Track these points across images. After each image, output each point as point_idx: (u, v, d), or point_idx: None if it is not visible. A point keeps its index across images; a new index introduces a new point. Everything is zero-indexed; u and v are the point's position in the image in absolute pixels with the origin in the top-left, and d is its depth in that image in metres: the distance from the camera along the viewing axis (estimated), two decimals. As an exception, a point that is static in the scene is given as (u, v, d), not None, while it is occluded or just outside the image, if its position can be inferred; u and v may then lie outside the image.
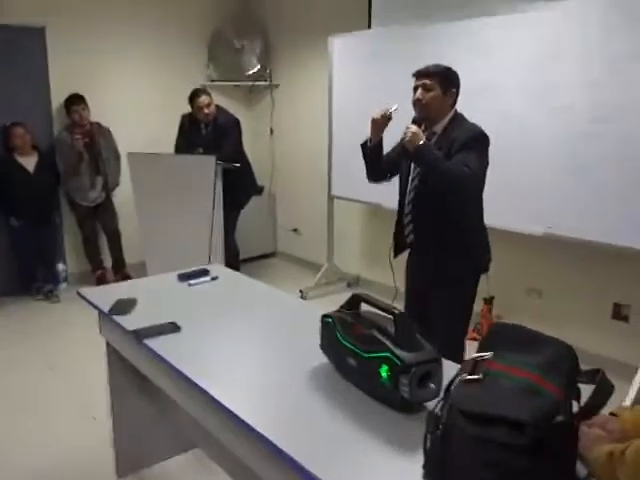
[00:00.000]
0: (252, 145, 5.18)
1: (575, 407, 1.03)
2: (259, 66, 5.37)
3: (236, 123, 4.34)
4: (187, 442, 2.45)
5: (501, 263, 3.72)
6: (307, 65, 5.06)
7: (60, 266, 4.79)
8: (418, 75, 2.41)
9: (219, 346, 1.78)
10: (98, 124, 4.64)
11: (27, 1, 4.39)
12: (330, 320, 1.58)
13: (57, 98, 4.63)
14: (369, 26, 4.29)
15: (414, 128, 2.28)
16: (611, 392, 0.99)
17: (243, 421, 1.34)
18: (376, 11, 4.24)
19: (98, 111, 4.67)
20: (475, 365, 1.09)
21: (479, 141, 2.32)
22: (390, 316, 1.44)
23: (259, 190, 4.78)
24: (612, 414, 1.27)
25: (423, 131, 2.34)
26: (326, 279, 4.80)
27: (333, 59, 4.43)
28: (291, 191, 5.51)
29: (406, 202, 2.53)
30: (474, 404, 1.01)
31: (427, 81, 2.36)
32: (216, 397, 1.45)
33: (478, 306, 3.82)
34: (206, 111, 4.22)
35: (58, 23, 4.53)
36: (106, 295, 2.16)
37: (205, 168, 3.91)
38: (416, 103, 2.39)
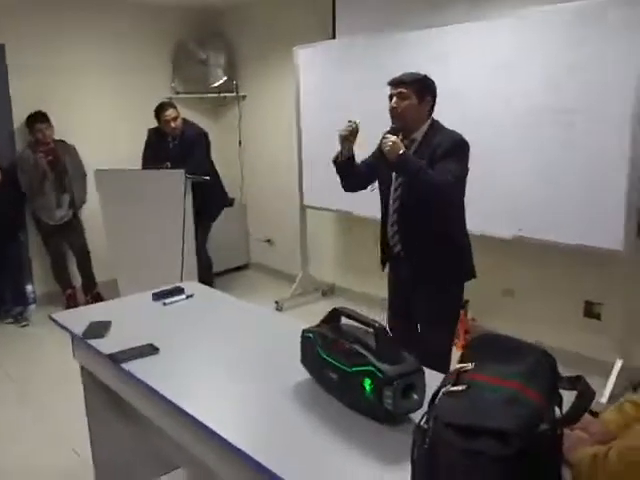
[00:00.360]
0: (221, 157, 5.14)
1: (558, 413, 1.05)
2: (225, 78, 5.34)
3: (203, 135, 4.31)
4: (169, 464, 2.40)
5: (476, 266, 3.79)
6: (274, 76, 5.06)
7: (29, 287, 4.67)
8: (393, 84, 2.39)
9: (198, 366, 1.76)
10: (62, 142, 4.55)
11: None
12: (311, 335, 1.58)
13: (19, 116, 4.52)
14: (334, 36, 4.32)
15: (393, 138, 2.26)
16: (592, 398, 1.01)
17: (225, 440, 1.33)
18: (340, 21, 4.27)
19: (62, 128, 4.57)
20: (458, 376, 1.10)
21: (461, 148, 2.33)
22: (370, 329, 1.45)
23: (230, 202, 4.75)
24: (592, 413, 1.30)
25: (402, 140, 2.33)
26: (301, 289, 4.79)
27: (299, 69, 4.44)
28: (262, 202, 5.50)
29: (390, 212, 2.50)
30: (459, 416, 1.02)
31: (402, 90, 2.35)
32: (199, 418, 1.43)
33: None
34: (173, 125, 4.19)
35: (18, 41, 4.43)
36: (79, 318, 2.12)
37: (174, 182, 3.87)
38: (392, 112, 2.39)
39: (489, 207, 3.37)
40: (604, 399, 2.93)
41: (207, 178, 4.03)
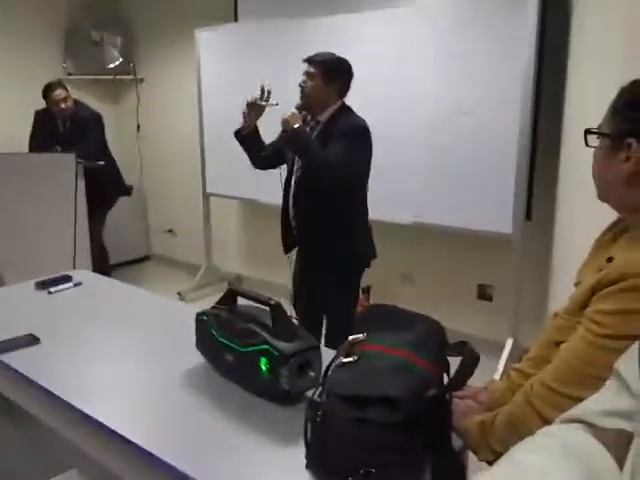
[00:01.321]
0: (118, 143, 4.89)
1: (446, 380, 1.07)
2: (121, 59, 5.08)
3: (97, 118, 4.07)
4: (61, 464, 2.24)
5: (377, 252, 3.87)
6: (174, 59, 4.88)
7: None
8: (306, 61, 2.41)
9: (85, 356, 1.64)
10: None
11: None
12: (205, 317, 1.52)
13: None
14: (236, 19, 4.23)
15: (293, 110, 2.29)
16: (477, 361, 1.04)
17: (115, 432, 1.25)
18: (242, 4, 4.19)
19: None
20: (350, 348, 1.10)
21: (356, 134, 2.34)
22: (267, 308, 1.41)
23: (127, 190, 4.54)
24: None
25: (308, 119, 2.35)
26: (206, 280, 4.67)
27: (200, 53, 4.31)
28: (163, 190, 5.30)
29: (290, 196, 2.49)
30: (349, 387, 1.01)
31: (310, 69, 2.36)
32: (85, 411, 1.33)
33: (356, 296, 3.94)
34: (62, 106, 3.92)
35: None
36: (-50, 310, 1.92)
37: (64, 167, 3.63)
38: (300, 89, 2.39)
39: (387, 193, 3.44)
40: (497, 376, 3.08)
41: (101, 163, 3.83)
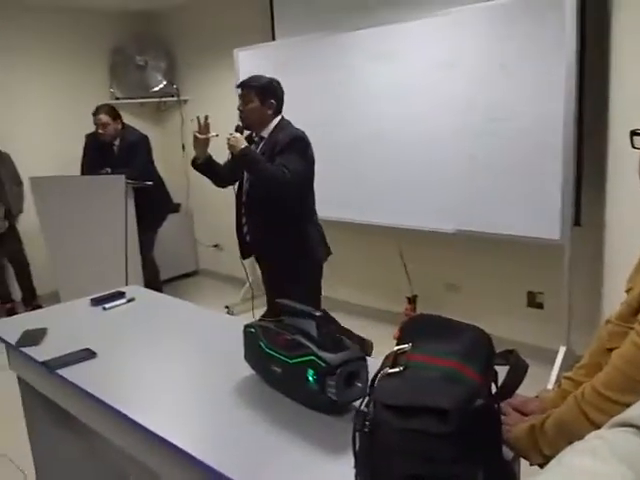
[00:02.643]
0: (164, 163, 5.04)
1: (494, 389, 1.06)
2: (165, 82, 5.25)
3: (143, 140, 4.21)
4: (119, 473, 2.32)
5: (419, 262, 3.85)
6: (215, 79, 5.00)
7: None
8: (239, 86, 2.64)
9: (140, 369, 1.70)
10: (-4, 150, 4.37)
11: None
12: (253, 329, 1.55)
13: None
14: (273, 38, 4.31)
15: (236, 134, 2.51)
16: (525, 370, 1.03)
17: (170, 443, 1.29)
18: (279, 23, 4.27)
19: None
20: (396, 358, 1.10)
21: (296, 143, 2.54)
22: (312, 320, 1.43)
23: (175, 208, 4.67)
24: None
25: (252, 136, 2.61)
26: (253, 293, 4.73)
27: (239, 72, 4.41)
28: (209, 207, 5.41)
29: (242, 205, 2.72)
30: (397, 397, 1.01)
31: (245, 92, 2.59)
32: (140, 422, 1.38)
33: (401, 306, 3.91)
34: (100, 131, 4.05)
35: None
36: (13, 326, 2.02)
37: (115, 188, 3.77)
38: (239, 112, 2.63)
39: (429, 202, 3.44)
40: (550, 385, 3.01)
41: (149, 183, 3.95)
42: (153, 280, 4.20)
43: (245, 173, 2.67)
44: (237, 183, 2.79)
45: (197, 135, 2.66)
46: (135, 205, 3.92)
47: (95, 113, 4.08)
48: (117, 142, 4.16)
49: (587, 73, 2.89)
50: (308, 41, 3.94)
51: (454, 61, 3.22)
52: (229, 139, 2.50)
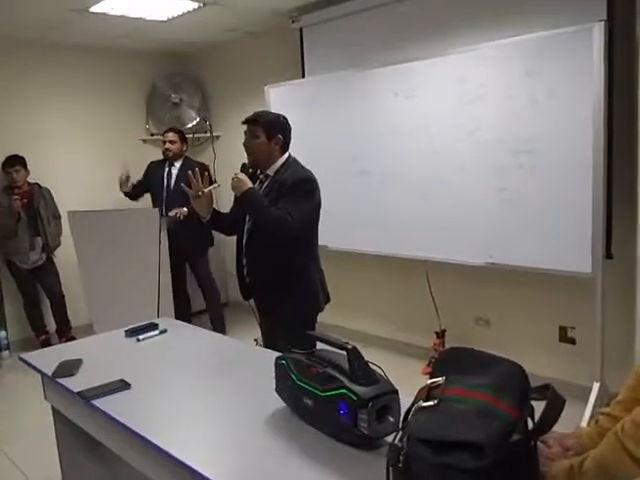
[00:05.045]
0: (196, 196, 5.15)
1: (530, 424, 1.05)
2: (198, 119, 5.41)
3: (205, 168, 4.31)
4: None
5: (448, 295, 3.82)
6: (245, 115, 5.11)
7: (2, 333, 4.56)
8: (246, 122, 2.51)
9: (173, 401, 1.72)
10: (37, 184, 4.53)
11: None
12: (284, 362, 1.56)
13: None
14: (303, 75, 4.42)
15: (240, 175, 2.38)
16: (562, 405, 1.02)
17: (203, 476, 1.30)
18: (309, 61, 4.38)
19: (38, 171, 4.56)
20: (429, 392, 1.10)
21: (303, 185, 2.39)
22: (343, 352, 1.44)
23: (212, 241, 4.76)
24: None
25: (257, 174, 2.48)
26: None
27: (270, 108, 4.51)
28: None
29: (242, 245, 2.58)
30: (432, 431, 1.01)
31: (252, 127, 2.47)
32: (174, 454, 1.39)
33: (429, 340, 3.87)
34: (166, 146, 4.33)
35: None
36: (49, 358, 2.07)
37: (149, 221, 3.87)
38: (244, 148, 2.51)
39: (458, 235, 3.44)
40: (584, 423, 2.92)
41: (185, 212, 4.02)
42: (184, 312, 4.35)
43: (247, 216, 2.54)
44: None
45: (197, 194, 2.44)
46: (180, 238, 4.09)
47: (165, 132, 4.42)
48: (177, 164, 4.37)
49: (615, 107, 2.89)
50: (336, 78, 4.03)
51: (481, 96, 3.25)
52: (233, 179, 2.37)
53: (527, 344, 3.52)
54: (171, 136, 4.37)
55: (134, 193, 4.31)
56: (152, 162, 4.53)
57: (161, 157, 4.45)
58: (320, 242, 2.69)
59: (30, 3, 3.67)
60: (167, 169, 4.39)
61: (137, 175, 4.39)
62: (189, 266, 4.52)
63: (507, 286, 3.57)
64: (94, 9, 3.83)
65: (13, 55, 4.60)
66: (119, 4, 3.77)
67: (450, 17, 3.47)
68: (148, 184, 4.44)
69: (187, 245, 4.24)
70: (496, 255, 3.29)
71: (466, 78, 3.30)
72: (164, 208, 4.19)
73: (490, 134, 3.23)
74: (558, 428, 1.13)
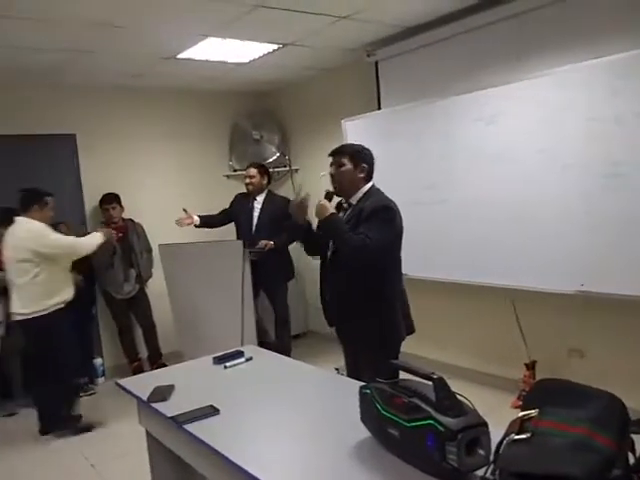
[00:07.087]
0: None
1: (631, 459, 1.00)
2: (278, 154, 5.60)
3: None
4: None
5: (537, 325, 3.67)
6: (323, 149, 5.16)
7: (98, 360, 4.84)
8: (332, 153, 2.63)
9: (260, 427, 1.77)
10: (131, 220, 4.84)
11: (58, 113, 4.75)
12: (368, 391, 1.56)
13: (91, 197, 4.89)
14: (379, 107, 4.48)
15: (323, 201, 2.48)
16: (666, 441, 0.96)
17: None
18: (385, 93, 4.44)
19: (131, 208, 4.88)
20: (522, 424, 1.07)
21: (381, 213, 2.45)
22: (429, 382, 1.42)
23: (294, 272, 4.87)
24: None
25: (341, 203, 2.60)
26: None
27: (347, 141, 4.59)
28: (317, 269, 5.54)
29: (327, 272, 2.67)
30: (525, 464, 0.99)
31: (338, 158, 2.57)
32: (260, 478, 1.42)
33: (518, 372, 3.72)
34: (247, 180, 4.52)
35: (88, 131, 4.88)
36: (143, 383, 2.18)
37: (233, 253, 4.02)
38: (331, 177, 2.61)
39: (548, 262, 3.32)
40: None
41: (265, 247, 4.14)
42: (284, 330, 4.57)
43: (330, 242, 2.62)
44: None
45: (298, 202, 2.63)
46: (271, 264, 4.26)
47: (247, 167, 4.62)
48: (260, 198, 4.53)
49: None
50: (412, 108, 4.05)
51: (560, 120, 3.16)
52: (316, 206, 2.48)
53: (625, 376, 3.29)
54: (252, 171, 4.54)
55: (209, 222, 4.55)
56: (239, 194, 4.72)
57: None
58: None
59: (126, 55, 3.99)
60: (250, 203, 4.55)
61: (220, 208, 4.66)
62: (267, 296, 4.60)
63: (602, 314, 3.38)
64: (181, 56, 4.09)
65: (105, 100, 5.00)
66: (204, 50, 4.00)
67: (524, 42, 3.42)
68: (233, 214, 4.64)
69: (268, 276, 4.35)
70: (587, 283, 3.15)
71: (546, 102, 3.22)
72: (248, 240, 4.33)
73: (575, 158, 3.13)
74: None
